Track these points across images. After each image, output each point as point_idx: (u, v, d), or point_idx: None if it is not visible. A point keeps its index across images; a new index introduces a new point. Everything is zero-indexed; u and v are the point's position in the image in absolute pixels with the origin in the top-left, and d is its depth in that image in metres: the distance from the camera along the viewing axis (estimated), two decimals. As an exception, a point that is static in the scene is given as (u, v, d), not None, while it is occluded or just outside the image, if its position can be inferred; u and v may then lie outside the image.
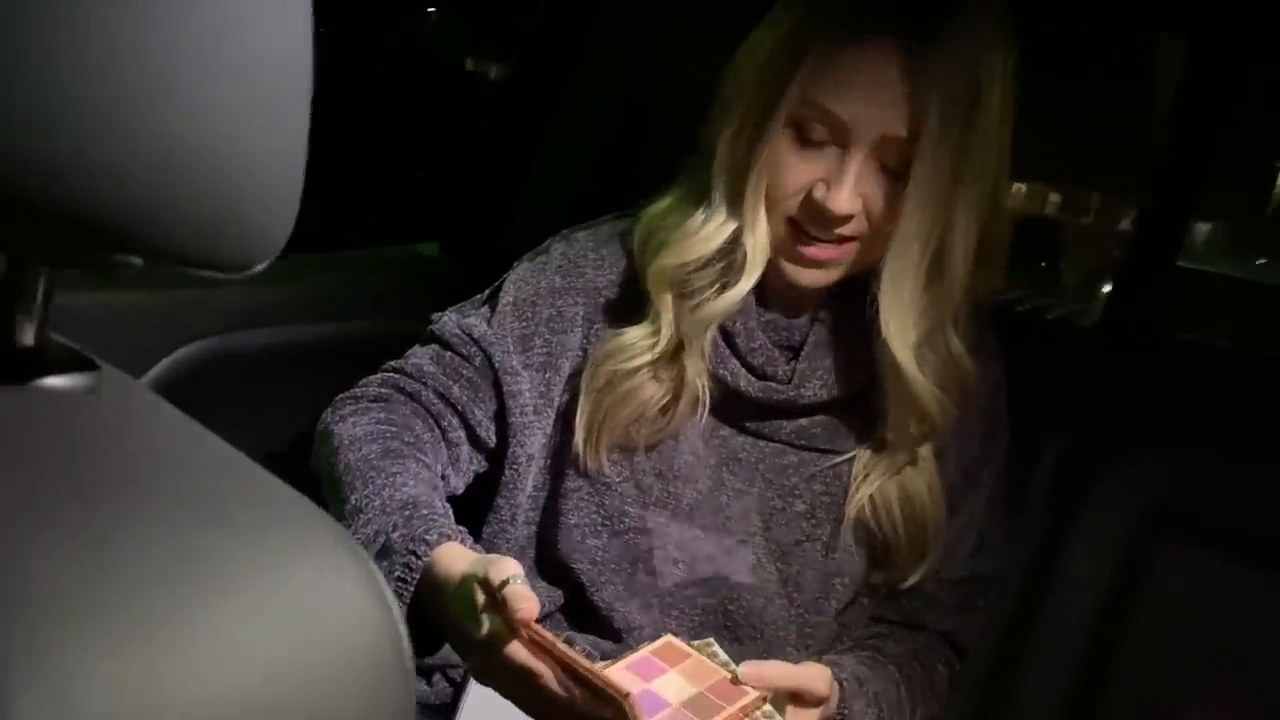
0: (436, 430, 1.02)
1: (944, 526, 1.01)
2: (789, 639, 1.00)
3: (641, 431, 0.99)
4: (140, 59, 0.34)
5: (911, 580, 1.02)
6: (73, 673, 0.26)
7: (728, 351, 0.99)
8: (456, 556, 0.84)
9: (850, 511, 1.00)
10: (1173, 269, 1.40)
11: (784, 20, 0.93)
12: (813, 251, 0.94)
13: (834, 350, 1.00)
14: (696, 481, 1.00)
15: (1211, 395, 1.30)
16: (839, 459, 1.01)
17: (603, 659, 0.93)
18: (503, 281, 1.07)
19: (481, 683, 0.84)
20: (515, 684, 0.80)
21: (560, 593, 1.02)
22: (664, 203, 1.01)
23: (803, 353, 1.00)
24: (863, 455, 1.00)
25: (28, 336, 0.39)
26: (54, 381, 0.39)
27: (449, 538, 0.85)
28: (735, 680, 0.83)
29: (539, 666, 0.78)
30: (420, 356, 1.06)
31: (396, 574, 0.84)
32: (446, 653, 0.88)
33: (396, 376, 1.05)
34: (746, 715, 0.82)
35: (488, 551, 0.91)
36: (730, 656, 0.86)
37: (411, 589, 0.84)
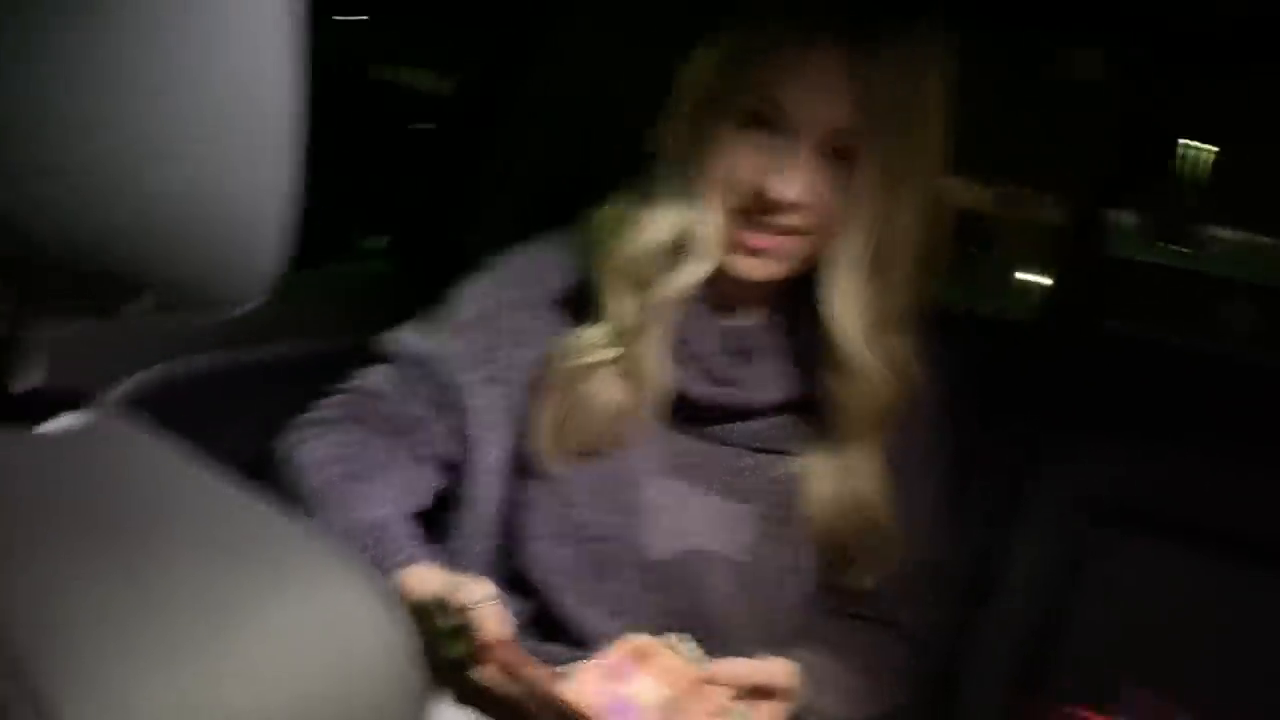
0: (397, 449, 1.03)
1: (895, 524, 1.04)
2: (751, 638, 1.02)
3: (601, 439, 1.01)
4: (126, 113, 0.35)
5: (866, 577, 1.05)
6: (121, 696, 0.28)
7: (682, 357, 1.02)
8: (426, 578, 0.85)
9: (805, 512, 1.03)
10: (1102, 259, 1.46)
11: (736, 18, 0.97)
12: (759, 240, 0.97)
13: (786, 353, 1.03)
14: (656, 488, 1.02)
15: (1144, 387, 1.36)
16: (793, 460, 1.04)
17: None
18: (457, 296, 1.08)
19: (458, 704, 0.85)
20: (489, 705, 0.81)
21: (526, 604, 1.04)
22: (617, 203, 1.04)
23: (755, 356, 1.03)
24: (816, 456, 1.03)
25: (26, 381, 0.41)
26: (55, 424, 0.40)
27: (417, 559, 0.86)
28: (704, 680, 0.85)
29: (512, 689, 0.79)
30: (377, 375, 1.06)
31: None
32: None
33: (354, 397, 1.06)
34: (716, 713, 0.85)
35: (452, 566, 0.92)
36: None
37: None
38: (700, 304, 1.02)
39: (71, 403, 0.42)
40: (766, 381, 1.02)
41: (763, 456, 1.04)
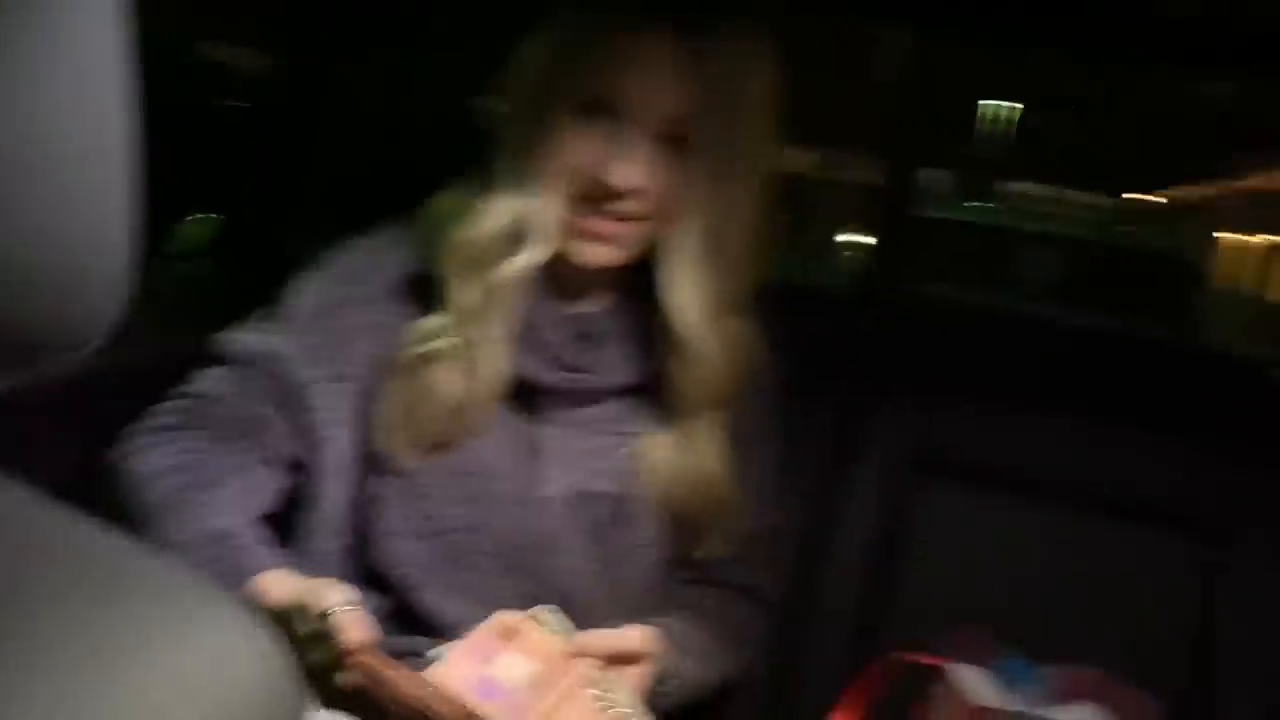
0: (238, 453, 1.00)
1: (738, 495, 1.09)
2: (611, 613, 1.05)
3: (449, 430, 1.01)
4: None
5: (714, 545, 1.09)
6: None
7: (531, 344, 1.03)
8: (281, 584, 0.84)
9: (652, 488, 1.06)
10: (915, 219, 1.57)
11: (567, 8, 0.98)
12: (597, 226, 0.98)
13: (631, 338, 1.05)
14: (507, 474, 1.03)
15: (965, 347, 1.46)
16: (639, 440, 1.06)
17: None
18: (288, 294, 1.06)
19: (325, 708, 0.85)
20: (356, 707, 0.81)
21: (384, 600, 1.03)
22: (451, 194, 1.04)
23: (603, 342, 1.05)
24: (660, 435, 1.06)
25: None
26: None
27: (270, 565, 0.85)
28: (572, 652, 0.88)
29: (377, 693, 0.80)
30: (211, 378, 1.03)
31: None
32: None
33: (190, 402, 1.02)
34: (584, 684, 0.87)
35: (304, 568, 0.91)
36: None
37: None
38: (546, 292, 1.03)
39: None
40: (614, 366, 1.05)
41: (611, 438, 1.06)
